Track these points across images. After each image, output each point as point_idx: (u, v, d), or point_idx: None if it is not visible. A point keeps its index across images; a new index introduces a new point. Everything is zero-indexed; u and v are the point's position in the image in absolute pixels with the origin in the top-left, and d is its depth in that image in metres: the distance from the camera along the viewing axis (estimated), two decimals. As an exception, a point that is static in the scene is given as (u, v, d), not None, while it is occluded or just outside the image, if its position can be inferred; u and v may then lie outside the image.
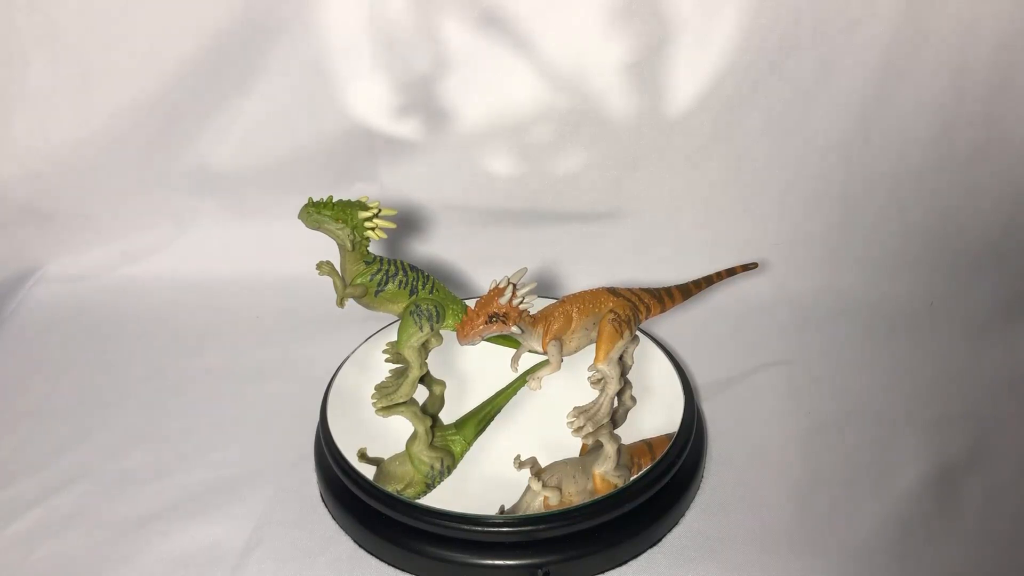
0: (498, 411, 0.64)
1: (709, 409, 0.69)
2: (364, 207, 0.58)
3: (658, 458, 0.57)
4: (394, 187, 0.86)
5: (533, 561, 0.53)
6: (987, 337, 0.76)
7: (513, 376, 0.64)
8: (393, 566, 0.56)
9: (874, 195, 0.83)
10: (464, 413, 0.63)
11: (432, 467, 0.58)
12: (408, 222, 0.87)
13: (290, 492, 0.62)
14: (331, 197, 0.58)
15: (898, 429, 0.66)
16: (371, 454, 0.59)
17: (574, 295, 0.59)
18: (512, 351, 0.61)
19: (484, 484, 0.56)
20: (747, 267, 0.67)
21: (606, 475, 0.57)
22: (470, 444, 0.60)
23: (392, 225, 0.59)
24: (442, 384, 0.66)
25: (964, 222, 0.83)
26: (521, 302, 0.55)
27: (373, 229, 0.59)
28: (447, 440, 0.60)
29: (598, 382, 0.62)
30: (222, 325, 0.82)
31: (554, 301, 0.59)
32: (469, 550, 0.54)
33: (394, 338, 0.63)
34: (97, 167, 0.85)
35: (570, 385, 0.62)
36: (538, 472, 0.57)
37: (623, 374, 0.62)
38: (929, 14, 0.75)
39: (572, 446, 0.59)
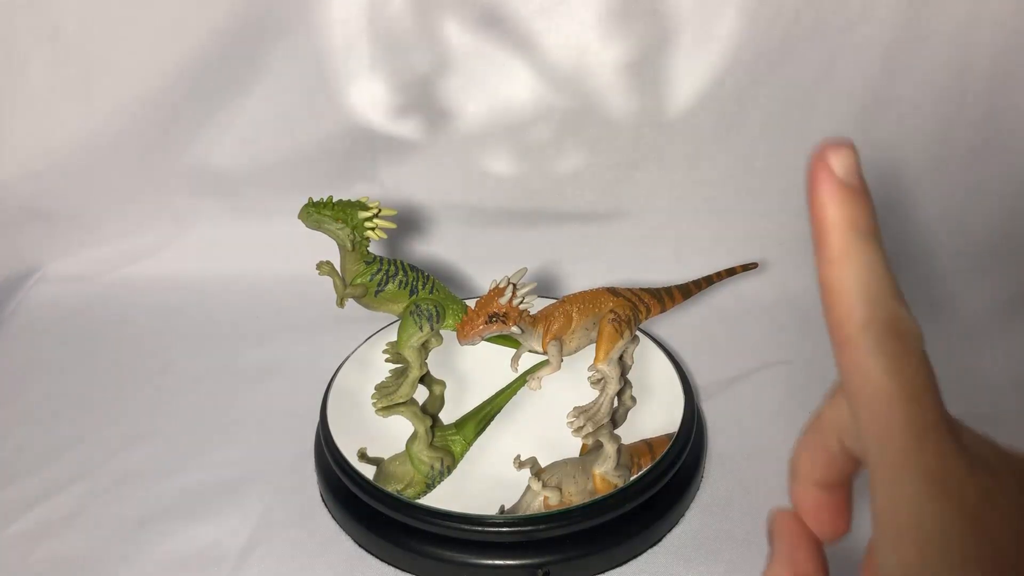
0: (498, 411, 0.64)
1: (709, 409, 0.69)
2: (364, 207, 0.58)
3: (658, 458, 0.57)
4: (394, 187, 0.86)
5: (533, 561, 0.53)
6: (987, 337, 0.76)
7: (513, 376, 0.64)
8: (393, 566, 0.56)
9: (874, 195, 0.83)
10: (464, 413, 0.63)
11: (432, 467, 0.58)
12: (408, 222, 0.87)
13: (290, 492, 0.62)
14: (331, 197, 0.58)
15: (898, 429, 0.66)
16: (371, 454, 0.59)
17: (574, 295, 0.59)
18: (512, 351, 0.61)
19: (484, 484, 0.56)
20: (747, 267, 0.67)
21: (606, 475, 0.57)
22: (470, 444, 0.60)
23: (392, 225, 0.59)
24: (442, 384, 0.66)
25: (964, 222, 0.83)
26: (521, 302, 0.55)
27: (373, 229, 0.59)
28: (447, 440, 0.60)
29: (598, 382, 0.62)
30: (222, 325, 0.82)
31: (554, 301, 0.59)
32: (469, 550, 0.54)
33: (394, 338, 0.63)
34: (97, 167, 0.85)
35: (570, 385, 0.62)
36: (538, 472, 0.57)
37: (623, 374, 0.62)
38: (929, 14, 0.75)
39: (572, 446, 0.59)
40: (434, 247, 0.88)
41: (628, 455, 0.59)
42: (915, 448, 0.22)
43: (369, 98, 0.82)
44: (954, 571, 0.21)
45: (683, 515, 0.59)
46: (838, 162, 0.24)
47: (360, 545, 0.57)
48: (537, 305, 0.56)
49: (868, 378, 0.23)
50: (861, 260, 0.24)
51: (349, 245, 0.58)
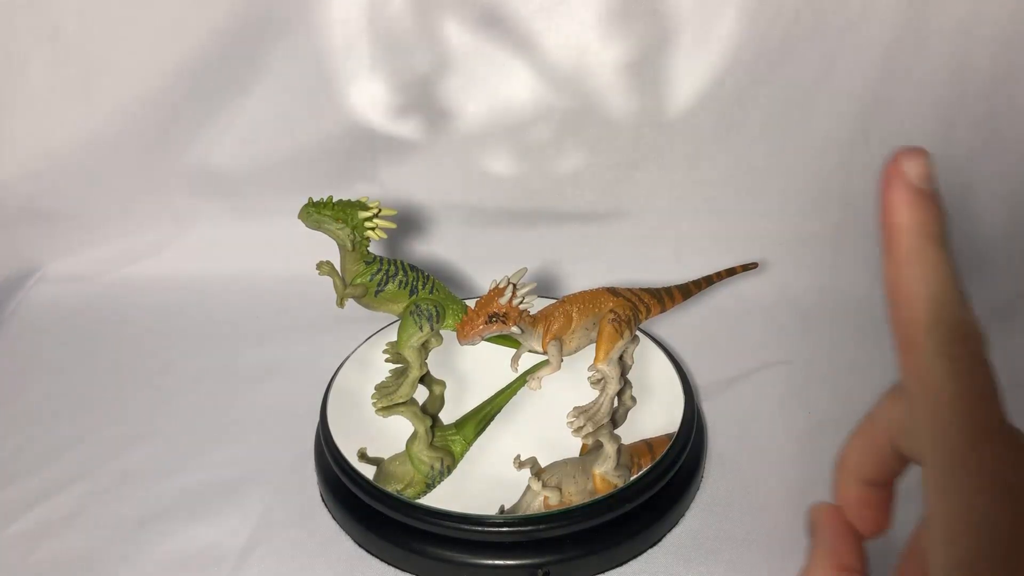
0: (498, 411, 0.64)
1: (709, 409, 0.69)
2: (364, 207, 0.58)
3: (658, 458, 0.57)
4: (394, 187, 0.86)
5: (533, 561, 0.53)
6: (987, 337, 0.76)
7: (513, 376, 0.64)
8: (393, 566, 0.56)
9: (874, 195, 0.83)
10: (464, 413, 0.63)
11: (432, 467, 0.58)
12: (408, 222, 0.87)
13: (290, 492, 0.62)
14: (331, 197, 0.58)
15: (898, 429, 0.66)
16: (371, 454, 0.59)
17: (574, 295, 0.59)
18: (512, 351, 0.61)
19: (484, 484, 0.56)
20: (747, 267, 0.67)
21: (606, 475, 0.57)
22: (470, 444, 0.60)
23: (392, 225, 0.59)
24: (442, 384, 0.66)
25: (964, 222, 0.83)
26: (521, 302, 0.55)
27: (373, 229, 0.59)
28: (447, 440, 0.60)
29: (598, 382, 0.62)
30: (222, 325, 0.82)
31: (554, 301, 0.59)
32: (469, 550, 0.54)
33: (394, 338, 0.63)
34: (97, 167, 0.85)
35: (570, 385, 0.62)
36: (538, 472, 0.57)
37: (623, 374, 0.62)
38: (929, 14, 0.75)
39: (572, 446, 0.59)
40: (434, 247, 0.88)
41: (628, 455, 0.59)
42: (974, 449, 0.22)
43: (369, 98, 0.82)
44: (1012, 569, 0.21)
45: (683, 515, 0.59)
46: (912, 167, 0.25)
47: (360, 545, 0.57)
48: (537, 305, 0.56)
49: (930, 380, 0.23)
50: (929, 263, 0.24)
51: (349, 245, 0.58)
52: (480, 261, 0.87)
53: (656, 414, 0.62)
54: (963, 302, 0.24)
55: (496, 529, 0.53)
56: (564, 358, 0.58)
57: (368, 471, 0.57)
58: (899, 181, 0.25)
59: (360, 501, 0.57)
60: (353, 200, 0.58)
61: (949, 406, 0.23)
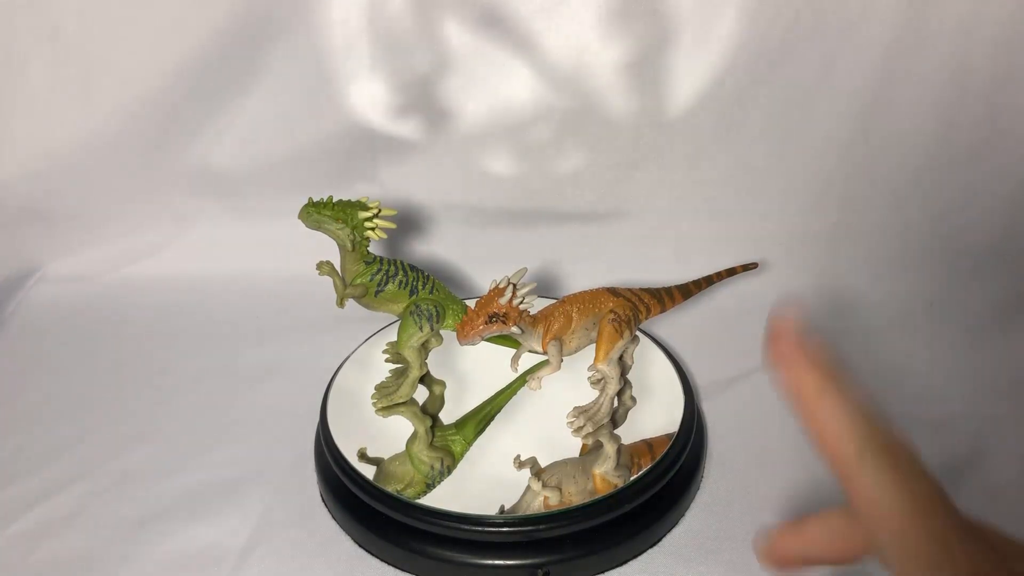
0: (498, 411, 0.64)
1: (709, 409, 0.69)
2: (364, 207, 0.58)
3: (658, 458, 0.57)
4: (394, 187, 0.86)
5: (533, 561, 0.53)
6: (987, 337, 0.76)
7: (513, 376, 0.64)
8: (393, 566, 0.56)
9: (874, 195, 0.83)
10: (464, 413, 0.63)
11: (432, 467, 0.58)
12: (408, 222, 0.87)
13: (290, 492, 0.62)
14: (331, 197, 0.58)
15: (898, 429, 0.66)
16: (371, 454, 0.59)
17: (574, 295, 0.59)
18: (512, 351, 0.61)
19: (484, 484, 0.56)
20: (747, 267, 0.67)
21: (606, 475, 0.57)
22: (470, 444, 0.60)
23: (392, 225, 0.59)
24: (442, 384, 0.66)
25: (964, 222, 0.83)
26: (521, 302, 0.55)
27: (373, 229, 0.59)
28: (447, 440, 0.60)
29: (598, 382, 0.62)
30: (222, 325, 0.82)
31: (554, 301, 0.59)
32: (469, 550, 0.54)
33: (394, 338, 0.63)
34: (97, 167, 0.85)
35: (570, 385, 0.62)
36: (538, 472, 0.57)
37: (623, 374, 0.62)
38: (929, 14, 0.75)
39: (572, 446, 0.59)
40: (434, 247, 0.88)
41: (628, 455, 0.59)
42: (945, 558, 0.22)
43: (369, 98, 0.82)
44: None
45: (683, 515, 0.59)
46: (785, 322, 0.26)
47: (360, 545, 0.57)
48: (537, 305, 0.56)
49: (879, 502, 0.24)
50: (835, 397, 0.25)
51: (349, 245, 0.58)
52: (480, 261, 0.87)
53: (656, 414, 0.62)
54: (881, 420, 0.25)
55: (496, 529, 0.53)
56: (564, 358, 0.58)
57: (368, 471, 0.57)
58: (780, 339, 0.26)
59: (360, 501, 0.57)
60: (353, 200, 0.58)
61: (906, 521, 0.23)
